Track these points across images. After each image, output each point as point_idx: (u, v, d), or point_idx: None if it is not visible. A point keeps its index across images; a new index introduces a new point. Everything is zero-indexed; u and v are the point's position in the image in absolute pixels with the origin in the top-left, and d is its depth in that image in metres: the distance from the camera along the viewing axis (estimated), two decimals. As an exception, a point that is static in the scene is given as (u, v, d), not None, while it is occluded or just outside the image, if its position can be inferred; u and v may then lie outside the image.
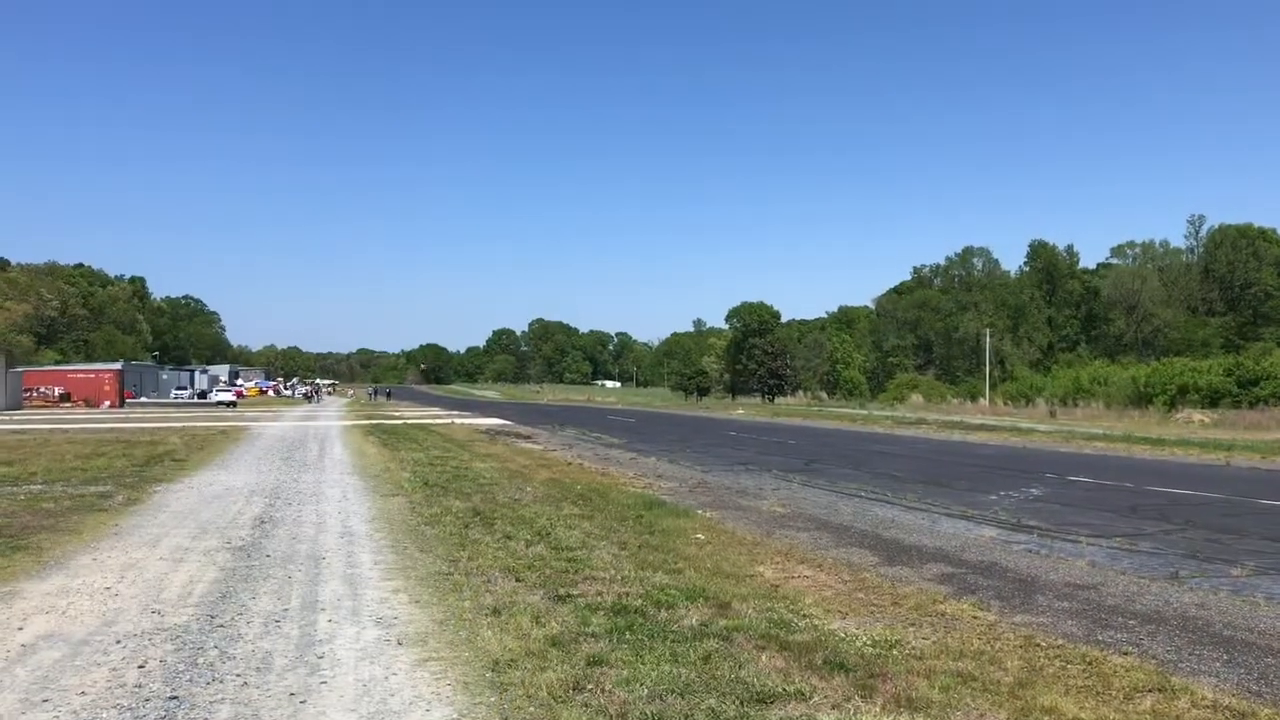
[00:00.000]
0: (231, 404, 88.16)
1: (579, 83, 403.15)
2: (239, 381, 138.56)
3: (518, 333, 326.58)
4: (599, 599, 9.65)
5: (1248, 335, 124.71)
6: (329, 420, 58.09)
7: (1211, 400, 70.26)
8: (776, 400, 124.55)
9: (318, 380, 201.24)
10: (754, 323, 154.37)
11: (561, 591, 9.99)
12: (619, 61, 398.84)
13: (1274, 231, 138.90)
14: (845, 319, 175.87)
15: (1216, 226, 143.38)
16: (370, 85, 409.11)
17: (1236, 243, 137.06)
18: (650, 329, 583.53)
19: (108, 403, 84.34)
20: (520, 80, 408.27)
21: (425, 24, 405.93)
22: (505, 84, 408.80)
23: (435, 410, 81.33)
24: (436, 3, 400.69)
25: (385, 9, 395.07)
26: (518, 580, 10.56)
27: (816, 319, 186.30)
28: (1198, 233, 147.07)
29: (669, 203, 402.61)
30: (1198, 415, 63.14)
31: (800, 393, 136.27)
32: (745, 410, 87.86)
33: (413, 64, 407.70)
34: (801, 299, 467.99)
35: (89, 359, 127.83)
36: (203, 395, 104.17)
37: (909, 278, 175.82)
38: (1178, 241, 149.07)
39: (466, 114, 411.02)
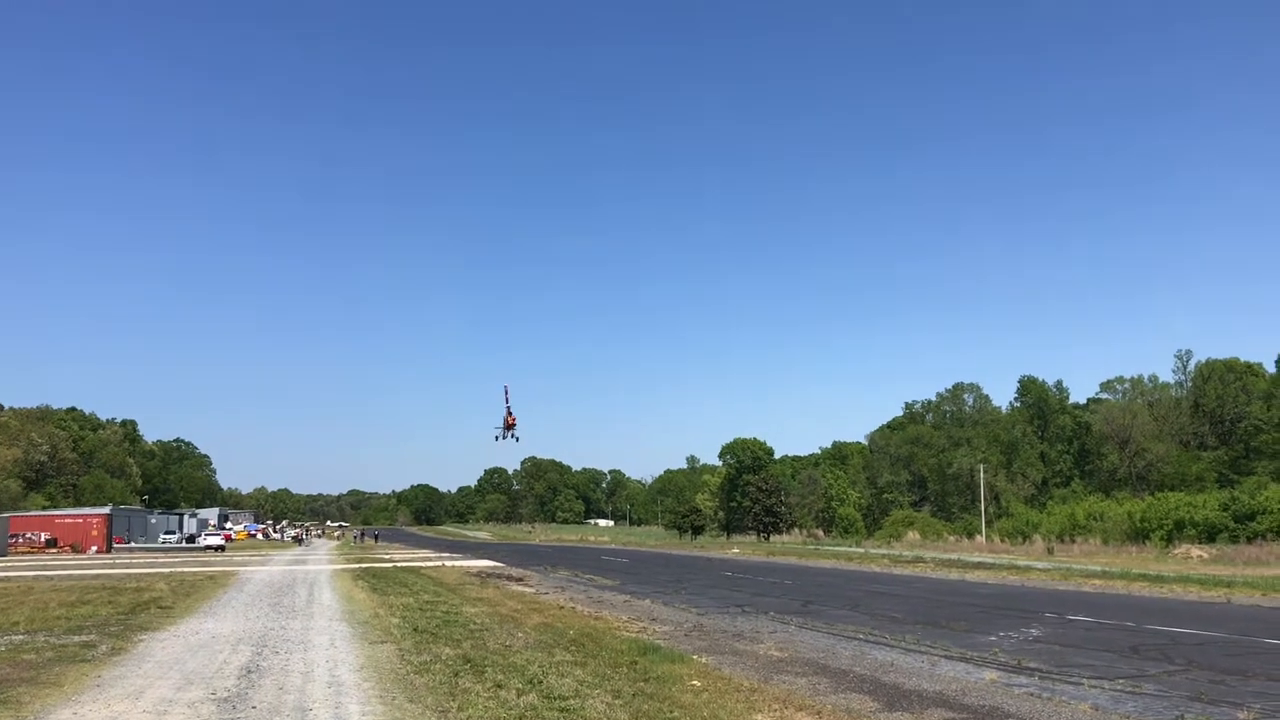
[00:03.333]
0: (220, 548, 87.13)
1: (566, 218, 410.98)
2: (227, 525, 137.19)
3: (510, 471, 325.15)
4: (592, 751, 9.41)
5: (1241, 469, 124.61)
6: (318, 564, 57.33)
7: (1209, 535, 69.85)
8: (772, 538, 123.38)
9: (307, 523, 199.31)
10: (747, 459, 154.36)
11: (554, 743, 9.76)
12: (607, 193, 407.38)
13: (1260, 366, 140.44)
14: (839, 455, 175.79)
15: (1204, 361, 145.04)
16: (357, 231, 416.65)
17: (1224, 377, 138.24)
18: (644, 466, 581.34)
19: (95, 548, 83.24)
20: (504, 213, 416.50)
21: (408, 157, 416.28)
22: (487, 217, 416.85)
23: (425, 552, 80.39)
24: (418, 134, 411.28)
25: (375, 145, 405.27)
26: (509, 731, 10.32)
27: (810, 455, 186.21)
28: (1185, 367, 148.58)
29: (660, 340, 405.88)
30: (1196, 551, 62.65)
31: (796, 530, 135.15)
32: (740, 549, 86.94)
33: (392, 204, 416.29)
34: (794, 435, 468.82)
35: (78, 503, 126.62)
36: (191, 539, 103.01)
37: (901, 413, 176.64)
38: (1166, 376, 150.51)
39: (456, 254, 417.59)
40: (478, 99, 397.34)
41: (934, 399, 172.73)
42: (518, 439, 50.99)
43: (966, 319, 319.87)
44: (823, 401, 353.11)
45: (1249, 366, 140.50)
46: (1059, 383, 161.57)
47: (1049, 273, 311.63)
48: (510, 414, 50.61)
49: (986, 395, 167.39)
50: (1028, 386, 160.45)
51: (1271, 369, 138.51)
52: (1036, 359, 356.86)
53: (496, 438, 50.28)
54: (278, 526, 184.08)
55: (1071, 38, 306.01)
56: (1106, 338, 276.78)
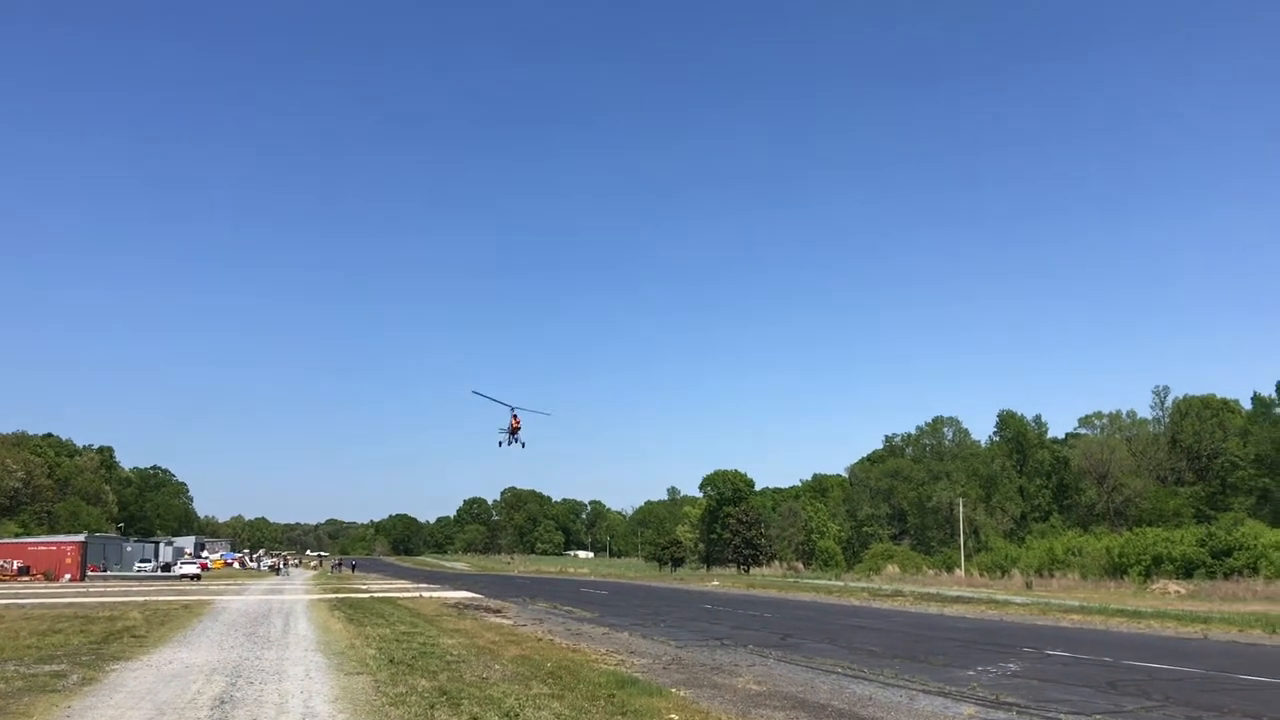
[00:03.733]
0: (196, 577, 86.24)
1: (544, 252, 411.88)
2: (204, 554, 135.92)
3: (489, 502, 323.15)
4: (568, 785, 9.36)
5: (1218, 505, 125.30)
6: (294, 593, 56.83)
7: (1186, 571, 70.11)
8: (752, 571, 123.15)
9: (284, 552, 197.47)
10: (728, 491, 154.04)
11: (529, 777, 9.70)
12: (585, 221, 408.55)
13: (1237, 403, 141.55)
14: (819, 487, 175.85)
15: (1181, 397, 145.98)
16: (334, 261, 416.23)
17: (1201, 413, 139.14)
18: (624, 497, 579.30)
19: (68, 576, 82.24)
20: (483, 248, 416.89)
21: (386, 197, 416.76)
22: (469, 253, 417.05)
23: (403, 583, 79.83)
24: (410, 164, 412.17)
25: (362, 176, 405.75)
26: (484, 765, 10.25)
27: (791, 487, 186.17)
28: (1163, 403, 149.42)
29: (641, 371, 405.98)
30: (1173, 586, 62.88)
31: (776, 563, 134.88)
32: (720, 581, 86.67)
33: (376, 236, 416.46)
34: (775, 466, 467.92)
35: (52, 530, 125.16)
36: (167, 568, 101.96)
37: (881, 446, 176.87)
38: (1144, 412, 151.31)
39: (436, 288, 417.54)
40: (476, 126, 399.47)
41: (914, 432, 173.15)
42: (523, 445, 48.82)
43: (946, 352, 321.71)
44: (803, 433, 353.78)
45: (1225, 403, 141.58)
46: (1038, 417, 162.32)
47: (1029, 307, 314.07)
48: (515, 418, 48.86)
49: (966, 429, 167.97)
50: (1007, 421, 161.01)
51: (1248, 406, 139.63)
52: (1015, 393, 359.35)
53: (500, 443, 48.06)
54: (255, 555, 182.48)
55: (1040, 56, 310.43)
56: (1085, 372, 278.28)
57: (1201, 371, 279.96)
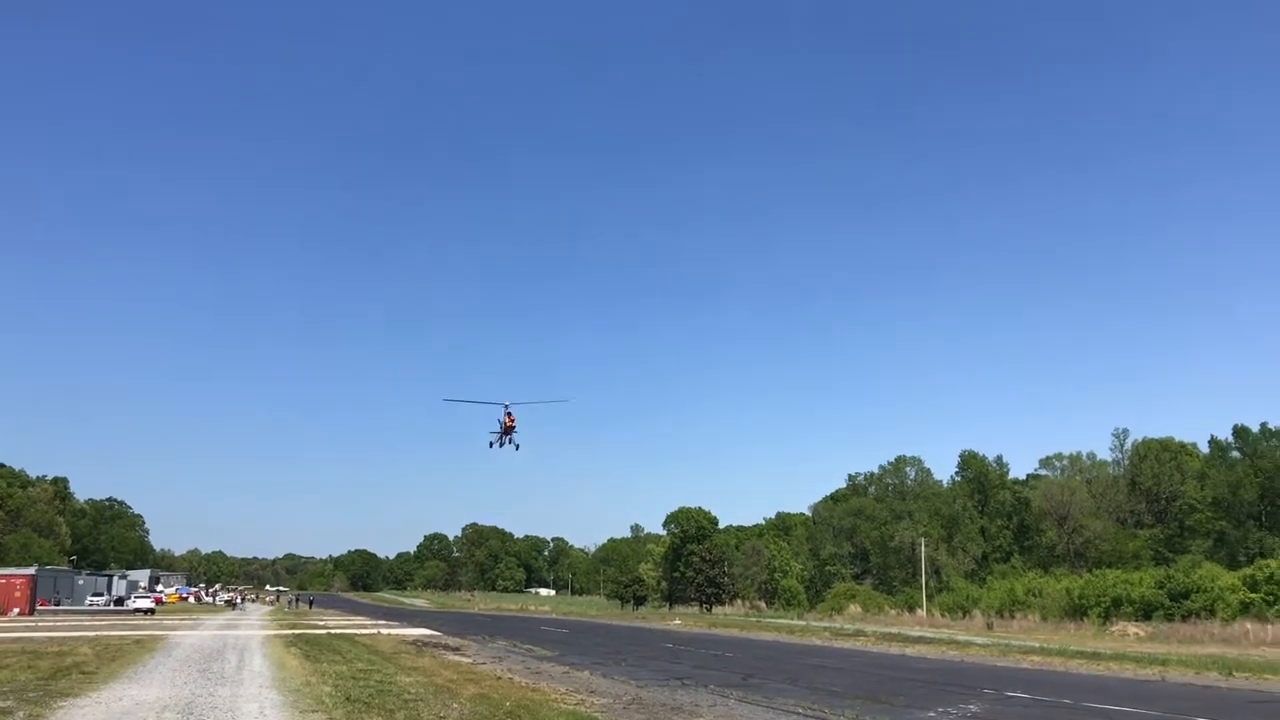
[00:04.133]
0: (150, 611, 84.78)
1: (514, 295, 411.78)
2: (159, 588, 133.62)
3: (450, 538, 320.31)
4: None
5: (1176, 548, 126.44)
6: (250, 629, 55.94)
7: (1145, 613, 70.61)
8: (715, 610, 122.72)
9: (241, 587, 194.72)
10: (692, 529, 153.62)
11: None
12: (544, 268, 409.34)
13: (1195, 446, 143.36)
14: (783, 526, 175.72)
15: (1140, 440, 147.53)
16: (299, 293, 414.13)
17: (1160, 456, 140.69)
18: (587, 534, 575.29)
19: (17, 610, 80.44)
20: (439, 294, 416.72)
21: (349, 237, 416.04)
22: (422, 301, 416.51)
23: (361, 619, 78.85)
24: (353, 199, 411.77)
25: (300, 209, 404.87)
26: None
27: (754, 525, 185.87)
28: (1123, 446, 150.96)
29: (606, 406, 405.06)
30: (1132, 628, 63.29)
31: (739, 602, 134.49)
32: (683, 620, 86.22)
33: (333, 282, 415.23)
34: (739, 504, 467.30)
35: (2, 563, 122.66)
36: (120, 602, 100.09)
37: (844, 485, 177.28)
38: (1104, 454, 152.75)
39: (396, 333, 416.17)
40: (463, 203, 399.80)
41: (877, 471, 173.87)
42: (517, 446, 45.28)
43: (910, 391, 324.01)
44: (768, 471, 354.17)
45: (1183, 446, 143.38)
46: (999, 458, 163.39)
47: (991, 347, 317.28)
48: (510, 415, 44.81)
49: (928, 469, 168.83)
50: (969, 461, 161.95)
51: (1205, 449, 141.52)
52: (978, 433, 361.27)
53: (491, 444, 45.18)
54: (211, 590, 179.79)
55: (1000, 104, 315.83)
56: (1046, 413, 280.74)
57: (1160, 414, 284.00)
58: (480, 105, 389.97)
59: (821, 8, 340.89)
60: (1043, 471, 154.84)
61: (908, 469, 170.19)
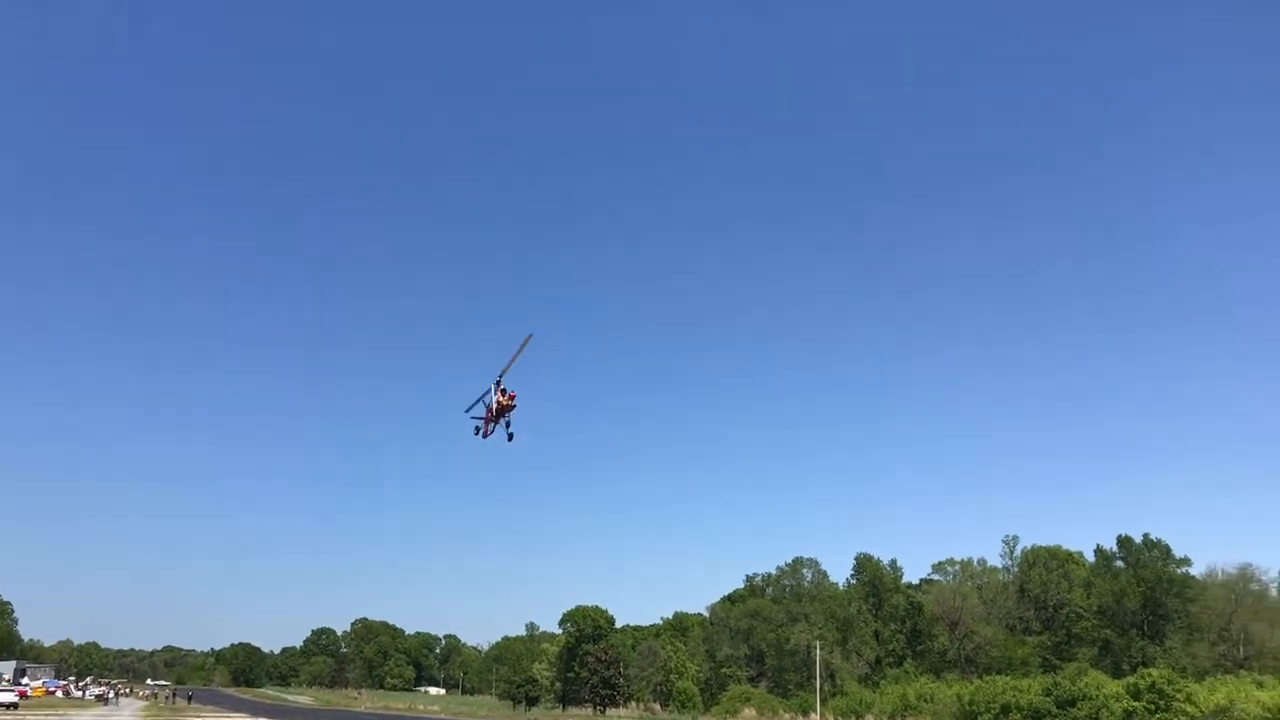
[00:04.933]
0: (13, 705, 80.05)
1: (406, 382, 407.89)
2: (24, 680, 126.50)
3: (339, 633, 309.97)
4: None
5: (1063, 655, 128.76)
6: (122, 726, 53.29)
7: (1034, 719, 71.60)
8: (608, 712, 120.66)
9: (114, 681, 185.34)
10: (588, 628, 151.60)
11: None
12: (441, 358, 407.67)
13: (1081, 555, 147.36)
14: (680, 626, 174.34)
15: (1029, 547, 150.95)
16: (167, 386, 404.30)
17: (1048, 563, 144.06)
18: (481, 632, 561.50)
19: None
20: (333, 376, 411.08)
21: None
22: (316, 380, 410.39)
23: (240, 716, 75.79)
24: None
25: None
26: None
27: (651, 625, 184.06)
28: (1013, 552, 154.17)
29: (501, 505, 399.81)
30: (1021, 735, 63.98)
31: (633, 704, 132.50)
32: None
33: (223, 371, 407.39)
34: (636, 603, 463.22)
35: None
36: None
37: (742, 585, 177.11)
38: (995, 560, 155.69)
39: (288, 417, 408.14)
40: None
41: (774, 572, 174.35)
42: (511, 435, 35.40)
43: (808, 494, 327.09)
44: (666, 569, 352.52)
45: (1070, 555, 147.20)
46: (893, 561, 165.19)
47: (884, 454, 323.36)
48: (505, 392, 34.84)
49: (825, 570, 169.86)
50: (864, 564, 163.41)
51: (1091, 558, 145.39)
52: (873, 535, 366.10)
53: (477, 429, 35.89)
54: (81, 684, 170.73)
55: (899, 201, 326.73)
56: (940, 518, 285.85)
57: (1049, 522, 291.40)
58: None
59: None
60: (935, 576, 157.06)
61: (804, 570, 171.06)
